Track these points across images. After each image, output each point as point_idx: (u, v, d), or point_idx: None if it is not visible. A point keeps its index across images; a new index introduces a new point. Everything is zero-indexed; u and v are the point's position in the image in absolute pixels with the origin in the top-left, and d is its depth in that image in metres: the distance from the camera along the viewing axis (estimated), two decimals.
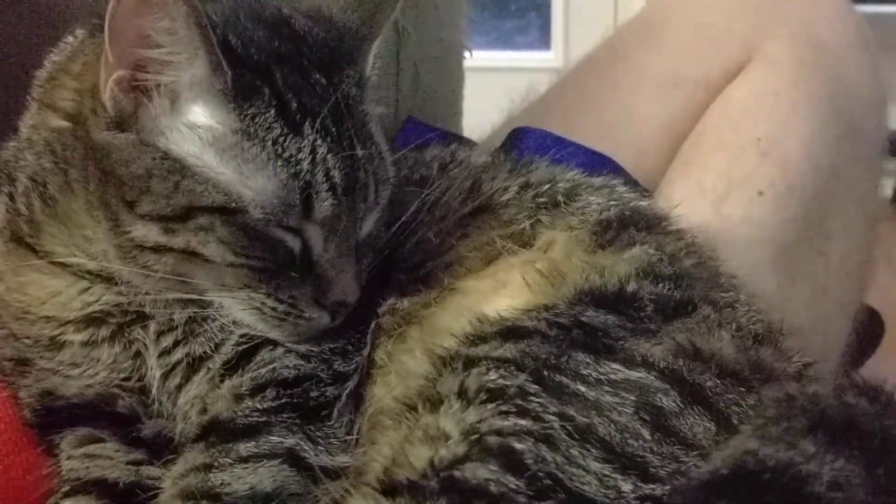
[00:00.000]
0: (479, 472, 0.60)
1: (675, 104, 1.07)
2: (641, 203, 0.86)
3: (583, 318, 0.69)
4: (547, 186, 0.84)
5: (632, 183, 0.94)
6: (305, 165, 0.68)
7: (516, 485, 0.59)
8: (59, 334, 0.74)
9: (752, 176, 1.01)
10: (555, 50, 3.43)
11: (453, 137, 1.09)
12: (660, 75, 1.08)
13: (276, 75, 0.70)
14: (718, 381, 0.66)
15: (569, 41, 3.41)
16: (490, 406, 0.62)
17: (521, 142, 1.02)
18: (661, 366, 0.66)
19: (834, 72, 1.07)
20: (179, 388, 0.73)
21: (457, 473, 0.60)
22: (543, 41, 3.47)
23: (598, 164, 0.98)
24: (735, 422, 0.65)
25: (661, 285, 0.73)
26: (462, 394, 0.64)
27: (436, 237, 0.79)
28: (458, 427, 0.62)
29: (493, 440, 0.61)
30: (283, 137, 0.68)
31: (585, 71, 1.15)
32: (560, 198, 0.82)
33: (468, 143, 1.06)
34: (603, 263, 0.75)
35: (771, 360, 0.71)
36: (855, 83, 1.09)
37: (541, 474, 0.60)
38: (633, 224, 0.80)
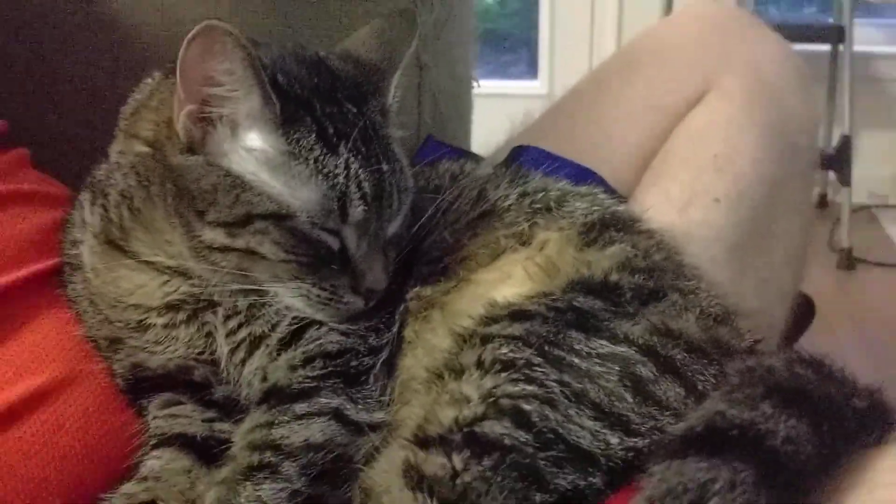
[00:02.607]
0: (495, 428, 0.60)
1: (647, 127, 1.07)
2: (619, 208, 0.86)
3: (575, 303, 0.69)
4: (541, 194, 0.84)
5: (611, 191, 0.94)
6: (341, 179, 0.69)
7: (525, 438, 0.60)
8: (145, 318, 0.74)
9: (710, 187, 1.01)
10: (541, 80, 3.40)
11: (463, 153, 1.09)
12: (634, 104, 1.08)
13: (316, 106, 0.70)
14: (686, 355, 0.67)
15: (552, 72, 3.39)
16: (503, 375, 0.63)
17: (520, 158, 1.01)
18: (640, 342, 0.67)
19: (776, 102, 1.08)
20: (244, 361, 0.73)
21: (477, 429, 0.61)
22: (532, 72, 3.45)
23: (582, 176, 0.98)
24: (700, 388, 0.66)
25: (637, 276, 0.74)
26: (480, 365, 0.65)
27: (450, 236, 0.79)
28: (477, 392, 0.63)
29: (505, 402, 0.62)
30: (322, 156, 0.69)
31: (574, 100, 1.14)
32: (552, 204, 0.82)
33: (475, 158, 1.06)
34: (589, 259, 0.75)
35: (728, 338, 0.72)
36: (793, 111, 1.10)
37: (545, 430, 0.61)
38: (613, 225, 0.81)
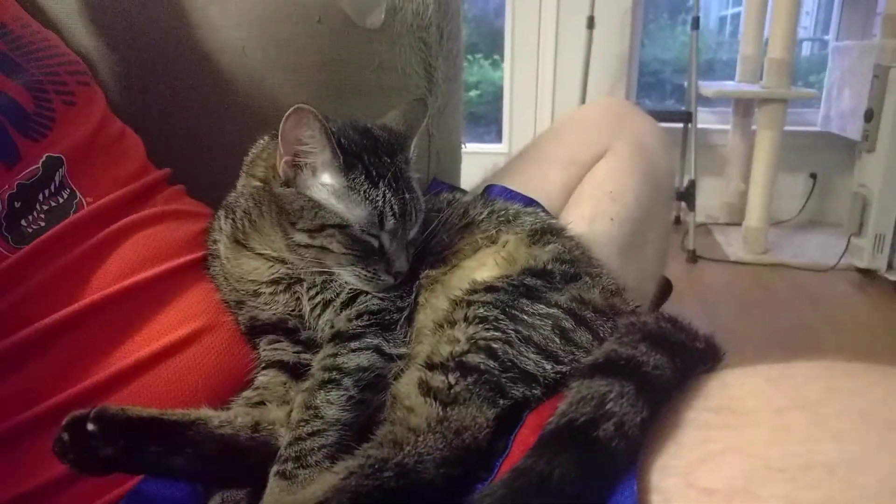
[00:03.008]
0: (475, 359, 0.59)
1: (569, 172, 1.03)
2: (552, 221, 0.84)
3: (526, 282, 0.67)
4: (503, 212, 0.81)
5: (546, 212, 0.92)
6: (380, 203, 0.68)
7: (493, 365, 0.58)
8: (258, 289, 0.73)
9: (607, 211, 0.98)
10: (504, 143, 3.37)
11: (455, 188, 1.07)
12: (561, 158, 1.05)
13: (364, 157, 0.69)
14: (593, 314, 0.65)
15: (511, 138, 3.36)
16: (480, 326, 0.62)
17: (489, 192, 0.99)
18: (565, 306, 0.65)
19: (649, 159, 1.05)
20: (319, 316, 0.71)
21: (464, 359, 0.59)
22: (498, 139, 3.42)
23: (529, 203, 0.96)
24: (601, 335, 0.64)
25: (563, 265, 0.72)
26: (466, 319, 0.63)
27: (447, 238, 0.77)
28: (464, 336, 0.61)
29: (482, 343, 0.60)
30: (368, 189, 0.68)
31: (523, 155, 1.10)
32: (510, 217, 0.80)
33: (462, 191, 1.02)
34: (535, 253, 0.73)
35: (619, 304, 0.69)
36: (659, 165, 1.07)
37: (506, 360, 0.59)
38: (549, 232, 0.78)
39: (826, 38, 3.46)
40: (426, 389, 0.57)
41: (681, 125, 2.92)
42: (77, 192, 0.71)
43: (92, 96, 0.81)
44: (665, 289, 1.17)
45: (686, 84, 3.03)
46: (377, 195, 0.68)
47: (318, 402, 0.61)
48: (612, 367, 0.51)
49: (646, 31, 3.43)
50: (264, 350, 0.73)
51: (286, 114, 0.65)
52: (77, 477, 0.59)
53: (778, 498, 0.38)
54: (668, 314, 0.57)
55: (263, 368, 0.71)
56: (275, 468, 0.57)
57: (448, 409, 0.54)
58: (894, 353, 2.21)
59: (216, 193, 0.85)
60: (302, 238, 0.68)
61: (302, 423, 0.59)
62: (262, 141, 0.77)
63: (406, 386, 0.60)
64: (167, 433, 0.57)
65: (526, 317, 0.63)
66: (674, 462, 0.42)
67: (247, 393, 0.68)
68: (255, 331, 0.73)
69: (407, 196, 0.70)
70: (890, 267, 2.60)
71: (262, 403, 0.66)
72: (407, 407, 0.56)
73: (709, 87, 2.91)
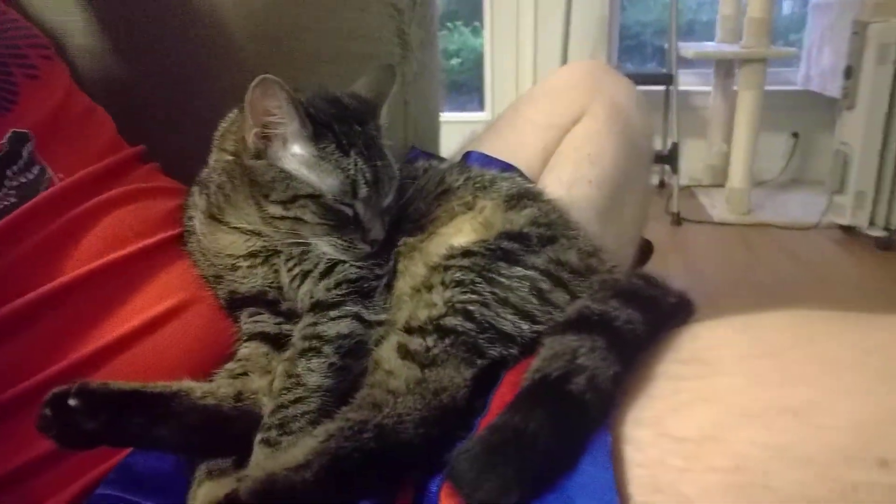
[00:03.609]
0: (452, 321, 0.59)
1: (547, 137, 1.03)
2: (529, 186, 0.84)
3: (502, 245, 0.67)
4: (479, 178, 0.81)
5: (524, 177, 0.92)
6: (352, 171, 0.67)
7: (470, 327, 0.59)
8: (236, 262, 0.73)
9: (586, 174, 0.98)
10: (486, 111, 3.35)
11: (433, 156, 1.07)
12: (538, 123, 1.04)
13: (335, 126, 0.68)
14: (570, 275, 0.66)
15: (493, 106, 3.32)
16: (457, 289, 0.62)
17: (467, 158, 0.99)
18: (542, 268, 0.65)
19: (626, 120, 1.05)
20: (298, 287, 0.71)
21: (441, 322, 0.59)
22: (480, 107, 3.40)
23: (507, 168, 0.96)
24: (578, 296, 0.64)
25: (541, 228, 0.72)
26: (443, 283, 0.63)
27: (424, 206, 0.77)
28: (441, 299, 0.62)
29: (459, 306, 0.60)
30: (339, 158, 0.67)
31: (500, 121, 1.09)
32: (487, 183, 0.80)
33: (440, 159, 1.02)
34: (511, 218, 0.73)
35: (595, 265, 0.69)
36: (636, 126, 1.07)
37: (482, 322, 0.59)
38: (526, 197, 0.78)
39: None
40: (405, 352, 0.58)
41: (662, 88, 2.93)
42: (48, 167, 0.70)
43: (56, 70, 0.80)
44: (646, 251, 1.18)
45: (667, 46, 3.02)
46: (348, 164, 0.67)
47: (300, 370, 0.61)
48: (584, 322, 0.52)
49: None
50: (245, 322, 0.73)
51: (251, 85, 0.64)
52: (65, 452, 0.60)
53: (745, 442, 0.39)
54: (642, 271, 0.58)
55: (245, 340, 0.71)
56: (259, 436, 0.58)
57: (426, 370, 0.55)
58: (876, 305, 2.22)
59: (189, 169, 0.84)
60: (276, 210, 0.68)
61: (284, 392, 0.60)
62: (231, 115, 0.76)
63: (385, 350, 0.60)
64: (150, 405, 0.57)
65: (503, 279, 0.63)
66: (646, 413, 0.43)
67: (229, 365, 0.69)
68: (236, 304, 0.73)
69: (379, 164, 0.70)
70: (871, 223, 2.63)
71: (244, 374, 0.67)
72: (386, 370, 0.57)
73: (689, 49, 2.90)
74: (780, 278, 2.46)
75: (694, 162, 3.20)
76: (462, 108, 3.57)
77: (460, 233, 0.73)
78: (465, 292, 0.61)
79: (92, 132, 0.81)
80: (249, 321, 0.73)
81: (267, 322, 0.72)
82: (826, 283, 2.45)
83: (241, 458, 0.59)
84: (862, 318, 0.43)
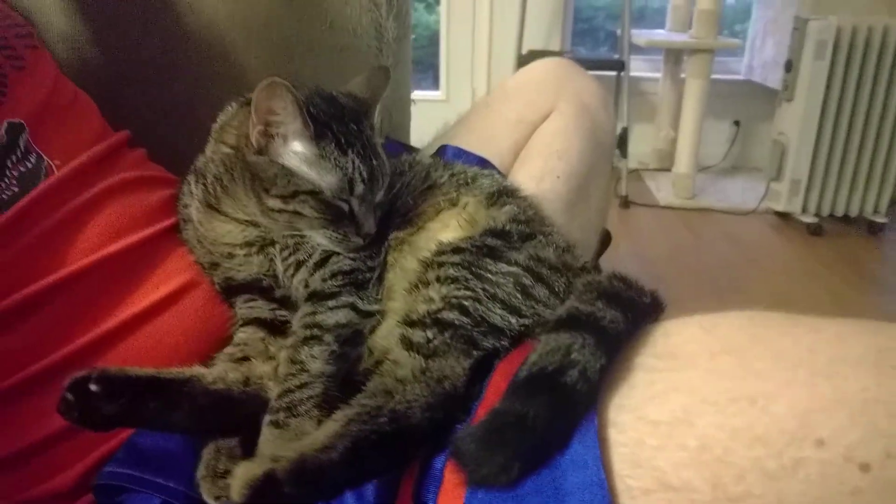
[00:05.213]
0: (449, 315, 0.63)
1: (517, 132, 1.07)
2: (507, 183, 0.88)
3: (487, 242, 0.71)
4: (462, 174, 0.84)
5: (500, 173, 0.97)
6: (349, 170, 0.70)
7: (466, 321, 0.63)
8: (233, 251, 0.75)
9: (554, 168, 1.03)
10: (441, 90, 3.34)
11: (407, 147, 1.10)
12: (508, 119, 1.08)
13: (333, 126, 0.71)
14: (549, 271, 0.70)
15: (448, 85, 3.32)
16: (452, 286, 0.66)
17: (444, 152, 1.02)
18: (523, 264, 0.69)
19: (591, 117, 1.10)
20: (292, 276, 0.74)
21: (439, 316, 0.64)
22: (435, 85, 3.38)
23: (482, 163, 1.00)
24: (556, 290, 0.69)
25: (520, 225, 0.76)
26: (438, 280, 0.67)
27: (411, 201, 0.80)
28: (438, 295, 0.66)
29: (454, 301, 0.64)
30: (338, 157, 0.70)
31: (472, 115, 1.13)
32: (469, 180, 0.84)
33: (415, 150, 1.05)
34: (494, 215, 0.77)
35: (570, 261, 0.74)
36: (601, 122, 1.12)
37: (476, 316, 0.64)
38: (505, 194, 0.82)
39: None
40: (409, 344, 0.62)
41: (614, 73, 3.00)
42: (44, 155, 0.72)
43: (41, 59, 0.80)
44: (605, 239, 1.23)
45: (619, 32, 3.10)
46: (347, 162, 0.70)
47: (303, 356, 0.65)
48: (574, 322, 0.56)
49: None
50: (241, 308, 0.76)
51: (259, 86, 0.67)
52: (72, 432, 0.63)
53: (711, 426, 0.46)
54: (619, 273, 0.63)
55: (242, 325, 0.75)
56: (267, 418, 0.62)
57: (429, 360, 0.60)
58: (807, 288, 2.41)
59: (169, 153, 0.87)
60: (275, 203, 0.70)
61: (290, 377, 0.64)
62: (230, 108, 0.78)
63: (389, 341, 0.65)
64: (165, 390, 0.61)
65: (490, 275, 0.67)
66: (626, 401, 0.50)
67: (229, 349, 0.72)
68: (231, 290, 0.76)
69: (374, 162, 0.73)
70: (804, 210, 2.79)
71: (245, 359, 0.70)
72: (392, 360, 0.62)
73: (641, 37, 2.99)
74: (721, 261, 2.60)
75: (642, 146, 3.31)
76: (417, 86, 3.55)
77: (447, 228, 0.77)
78: (459, 288, 0.65)
79: (81, 118, 0.82)
80: (245, 307, 0.76)
81: (262, 308, 0.75)
82: (762, 265, 2.61)
83: (247, 437, 0.64)
84: (809, 320, 0.50)
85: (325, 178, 0.70)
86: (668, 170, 3.15)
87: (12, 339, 0.64)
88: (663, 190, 3.08)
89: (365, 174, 0.72)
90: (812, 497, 0.41)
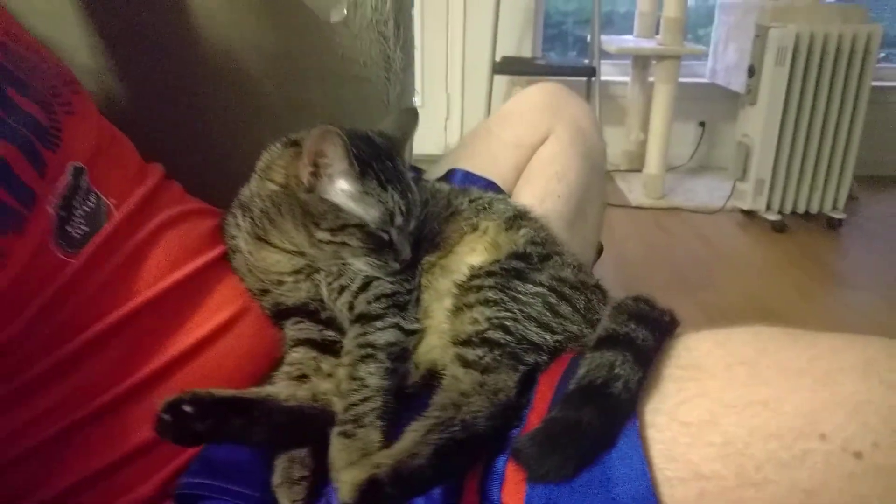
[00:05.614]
0: (495, 335, 0.69)
1: (517, 155, 1.14)
2: (519, 206, 0.95)
3: (513, 265, 0.78)
4: (480, 200, 0.91)
5: (507, 195, 1.05)
6: (390, 204, 0.78)
7: (510, 339, 0.69)
8: (281, 279, 0.82)
9: (554, 189, 1.11)
10: (417, 97, 3.32)
11: (413, 168, 1.15)
12: (508, 142, 1.15)
13: (374, 165, 0.78)
14: (570, 290, 0.76)
15: (423, 94, 3.41)
16: (494, 308, 0.72)
17: (452, 176, 1.10)
18: (547, 284, 0.76)
19: (585, 140, 1.18)
20: (336, 300, 0.81)
21: (486, 335, 0.70)
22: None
23: (490, 185, 1.08)
24: (579, 307, 0.75)
25: (537, 247, 0.83)
26: (479, 302, 0.73)
27: (437, 226, 0.86)
28: (482, 317, 0.72)
29: (496, 321, 0.70)
30: (380, 192, 0.77)
31: (476, 138, 1.20)
32: (486, 206, 0.91)
33: (421, 171, 1.12)
34: (513, 238, 0.84)
35: (585, 279, 0.81)
36: (594, 144, 1.20)
37: (517, 334, 0.70)
38: (520, 217, 0.89)
39: None
40: (465, 362, 0.69)
41: (584, 79, 3.12)
42: (101, 195, 0.77)
43: (85, 103, 0.85)
44: (598, 251, 1.33)
45: (588, 38, 3.21)
46: (387, 197, 0.78)
47: (362, 373, 0.73)
48: (613, 341, 0.63)
49: None
50: (290, 330, 0.82)
51: (313, 133, 0.74)
52: (146, 449, 0.71)
53: (732, 425, 0.53)
54: (642, 296, 0.71)
55: (293, 346, 0.81)
56: (336, 430, 0.69)
57: (484, 375, 0.67)
58: (773, 282, 2.55)
59: (192, 183, 0.93)
60: (325, 236, 0.78)
61: (352, 392, 0.72)
62: (274, 148, 0.85)
63: (441, 357, 0.73)
64: (247, 409, 0.68)
65: (522, 296, 0.73)
66: (661, 405, 0.58)
67: (285, 368, 0.79)
68: (281, 314, 0.83)
69: (410, 196, 0.81)
70: (768, 208, 2.95)
71: (303, 377, 0.77)
72: (452, 376, 0.70)
73: (610, 44, 3.11)
74: (692, 258, 2.73)
75: (612, 148, 3.40)
76: None
77: (473, 252, 0.84)
78: (500, 310, 0.72)
79: (123, 155, 0.87)
80: (295, 329, 0.82)
81: (311, 329, 0.82)
82: (731, 262, 2.75)
83: (315, 447, 0.72)
84: (806, 335, 0.60)
85: (369, 212, 0.77)
86: (639, 170, 3.28)
87: (85, 372, 0.70)
88: (634, 190, 3.21)
89: (403, 207, 0.79)
90: (817, 480, 0.51)
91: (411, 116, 0.91)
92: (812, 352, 0.58)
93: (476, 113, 3.28)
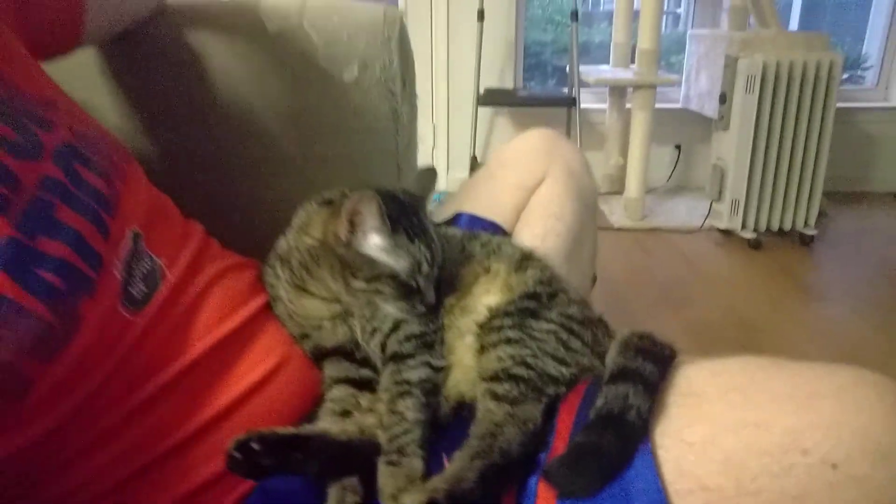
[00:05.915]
0: (519, 371, 0.76)
1: (517, 197, 1.21)
2: (524, 248, 1.01)
3: (526, 304, 0.84)
4: (490, 244, 0.98)
5: (508, 237, 1.13)
6: (418, 256, 0.85)
7: (532, 374, 0.76)
8: (320, 324, 0.89)
9: (553, 228, 1.18)
10: None
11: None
12: (508, 184, 1.22)
13: (402, 220, 0.86)
14: (578, 326, 0.82)
15: None
16: (515, 346, 0.78)
17: (458, 219, 1.17)
18: (557, 321, 0.81)
19: (578, 182, 1.26)
20: (368, 341, 0.87)
21: (511, 372, 0.76)
22: None
23: (494, 227, 1.16)
24: (587, 341, 0.81)
25: (544, 286, 0.89)
26: (501, 341, 0.79)
27: (454, 270, 0.92)
28: (506, 354, 0.78)
29: (518, 358, 0.76)
30: (409, 245, 0.85)
31: (476, 182, 1.27)
32: (495, 248, 0.97)
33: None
34: (523, 279, 0.90)
35: (590, 314, 0.86)
36: (586, 186, 1.29)
37: (538, 370, 0.76)
38: (527, 258, 0.96)
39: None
40: (495, 396, 0.75)
41: (565, 109, 3.26)
42: (154, 256, 0.83)
43: (136, 170, 0.91)
44: (593, 280, 1.42)
45: (567, 68, 3.34)
46: (415, 249, 0.85)
47: (401, 408, 0.80)
48: (625, 374, 0.70)
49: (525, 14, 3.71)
50: (330, 369, 0.89)
51: (354, 196, 0.82)
52: (207, 487, 0.78)
53: (731, 444, 0.59)
54: (644, 333, 0.78)
55: (333, 384, 0.88)
56: (383, 459, 0.77)
57: (514, 407, 0.73)
58: (750, 297, 2.67)
59: (221, 234, 0.99)
60: (360, 284, 0.85)
61: (394, 425, 0.79)
62: (310, 206, 0.92)
63: (476, 393, 0.80)
64: (304, 444, 0.76)
65: (537, 334, 0.79)
66: (668, 428, 0.66)
67: (328, 405, 0.86)
68: (320, 356, 0.90)
69: (433, 247, 0.88)
70: (744, 226, 3.08)
71: (346, 412, 0.84)
72: (486, 409, 0.75)
73: (588, 75, 3.25)
74: (672, 276, 2.85)
75: (593, 172, 3.52)
76: None
77: (489, 293, 0.91)
78: (521, 348, 0.78)
79: (168, 215, 0.94)
80: (333, 368, 0.90)
81: (349, 368, 0.89)
82: (710, 279, 2.88)
83: (364, 476, 0.79)
84: (790, 364, 0.69)
85: (399, 264, 0.85)
86: (620, 193, 3.40)
87: (154, 418, 0.76)
88: (616, 213, 3.33)
89: (429, 257, 0.87)
90: (803, 489, 0.59)
91: (431, 176, 0.99)
92: (796, 379, 0.65)
93: (462, 142, 3.39)
